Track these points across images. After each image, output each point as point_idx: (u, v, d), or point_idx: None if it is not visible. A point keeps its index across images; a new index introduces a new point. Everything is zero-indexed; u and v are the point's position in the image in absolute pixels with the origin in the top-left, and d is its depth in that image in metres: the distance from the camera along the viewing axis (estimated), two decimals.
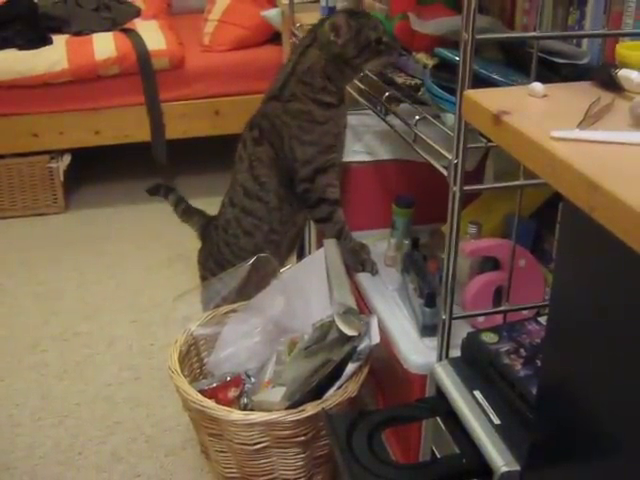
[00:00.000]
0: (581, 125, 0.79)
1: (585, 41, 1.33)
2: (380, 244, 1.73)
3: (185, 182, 3.18)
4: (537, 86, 0.92)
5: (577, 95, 0.92)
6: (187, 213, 2.08)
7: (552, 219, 1.46)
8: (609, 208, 0.64)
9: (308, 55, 1.62)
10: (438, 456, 1.19)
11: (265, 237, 1.77)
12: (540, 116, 0.86)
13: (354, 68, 1.60)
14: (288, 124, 1.64)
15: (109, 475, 1.66)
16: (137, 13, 3.27)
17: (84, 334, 2.18)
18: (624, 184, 0.64)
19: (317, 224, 1.77)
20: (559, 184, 0.72)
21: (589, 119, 0.81)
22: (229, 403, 1.49)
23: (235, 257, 1.78)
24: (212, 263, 1.87)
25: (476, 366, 1.17)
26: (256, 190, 1.73)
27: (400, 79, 1.61)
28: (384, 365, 1.51)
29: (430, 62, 1.48)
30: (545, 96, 0.92)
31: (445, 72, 1.29)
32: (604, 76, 0.93)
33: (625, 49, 0.96)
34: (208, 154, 3.22)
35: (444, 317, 1.22)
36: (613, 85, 0.91)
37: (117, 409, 1.86)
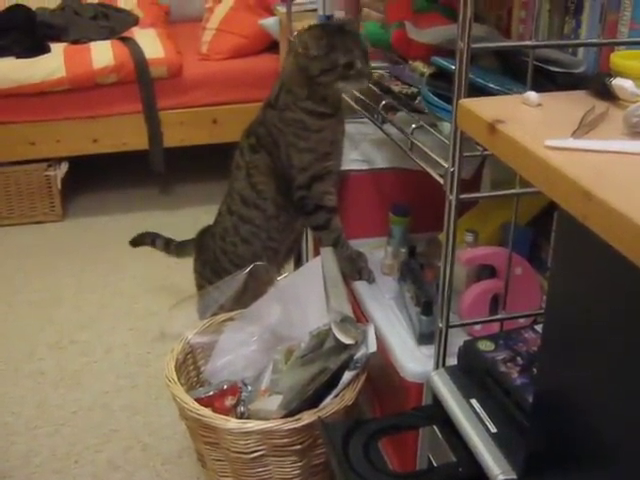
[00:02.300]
0: (575, 134, 0.80)
1: (581, 50, 1.33)
2: (377, 252, 1.73)
3: (182, 190, 3.19)
4: (532, 95, 0.92)
5: (572, 104, 0.92)
6: (181, 247, 2.10)
7: (549, 227, 1.46)
8: (603, 216, 0.64)
9: (287, 62, 1.62)
10: (435, 464, 1.18)
11: (263, 244, 1.77)
12: (534, 125, 0.86)
13: (317, 85, 1.56)
14: (284, 132, 1.64)
15: None
16: (135, 21, 3.28)
17: (81, 342, 2.18)
18: (618, 193, 0.64)
19: (314, 231, 1.77)
20: (553, 193, 0.72)
21: (583, 128, 0.81)
22: (226, 411, 1.49)
23: (233, 265, 1.78)
24: (209, 272, 1.87)
25: (473, 374, 1.17)
26: (253, 198, 1.73)
27: (397, 87, 1.62)
28: (381, 373, 1.51)
29: (426, 70, 1.49)
30: (540, 105, 0.92)
31: (441, 81, 1.30)
32: (598, 85, 0.94)
33: (619, 58, 0.96)
34: (206, 162, 3.22)
35: (441, 325, 1.22)
36: (607, 94, 0.92)
37: (114, 417, 1.86)
